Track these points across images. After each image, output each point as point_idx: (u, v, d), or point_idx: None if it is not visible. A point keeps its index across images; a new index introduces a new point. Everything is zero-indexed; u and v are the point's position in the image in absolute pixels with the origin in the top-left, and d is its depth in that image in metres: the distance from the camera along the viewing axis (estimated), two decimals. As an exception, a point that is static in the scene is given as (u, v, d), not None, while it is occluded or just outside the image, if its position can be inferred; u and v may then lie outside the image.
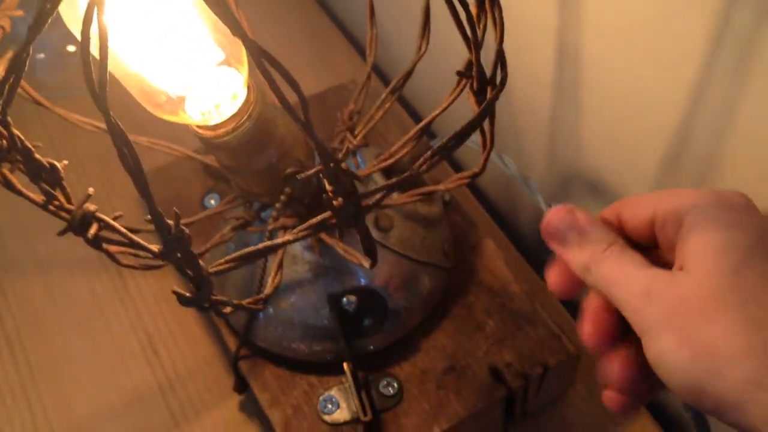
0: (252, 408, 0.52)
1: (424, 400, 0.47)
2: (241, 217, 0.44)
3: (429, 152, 0.31)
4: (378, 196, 0.31)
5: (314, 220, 0.30)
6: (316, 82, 0.65)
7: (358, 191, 0.30)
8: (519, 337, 0.49)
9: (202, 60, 0.36)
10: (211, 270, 0.31)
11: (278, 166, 0.41)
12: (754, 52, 0.36)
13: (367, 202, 0.31)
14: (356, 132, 0.44)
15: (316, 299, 0.46)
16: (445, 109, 0.38)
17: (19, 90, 0.38)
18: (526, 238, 0.64)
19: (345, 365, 0.45)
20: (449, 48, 0.48)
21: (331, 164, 0.29)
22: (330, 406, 0.46)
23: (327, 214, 0.30)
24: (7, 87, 0.29)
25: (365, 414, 0.44)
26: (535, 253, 0.62)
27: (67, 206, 0.32)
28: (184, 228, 0.29)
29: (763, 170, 0.40)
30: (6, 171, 0.34)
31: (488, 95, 0.32)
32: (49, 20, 0.28)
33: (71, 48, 0.68)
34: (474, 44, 0.30)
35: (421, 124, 0.39)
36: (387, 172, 0.47)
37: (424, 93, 0.68)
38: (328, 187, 0.30)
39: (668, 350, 0.29)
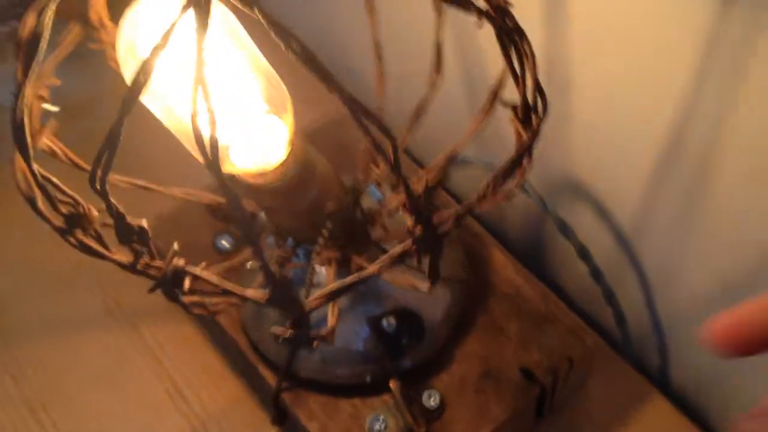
0: (292, 438, 0.53)
1: (466, 407, 0.49)
2: (279, 256, 0.46)
3: (491, 180, 0.34)
4: (451, 222, 0.33)
5: (396, 251, 0.33)
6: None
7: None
8: (541, 336, 0.52)
9: (250, 110, 0.38)
10: (307, 308, 0.33)
11: (318, 203, 0.43)
12: (746, 52, 0.40)
13: (443, 230, 0.33)
14: (378, 163, 0.46)
15: (355, 324, 0.48)
16: (473, 132, 0.41)
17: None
18: (515, 243, 0.67)
19: (391, 384, 0.47)
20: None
21: (414, 197, 0.31)
22: (378, 425, 0.48)
23: (407, 244, 0.33)
24: (103, 160, 0.30)
25: (420, 426, 0.46)
26: (523, 256, 0.65)
27: (156, 263, 0.33)
28: (286, 273, 0.31)
29: (754, 169, 0.44)
30: (81, 236, 0.35)
31: (533, 122, 0.35)
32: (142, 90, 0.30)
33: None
34: (522, 78, 0.33)
35: (452, 147, 0.42)
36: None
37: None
38: (409, 218, 0.32)
39: None
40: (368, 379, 0.49)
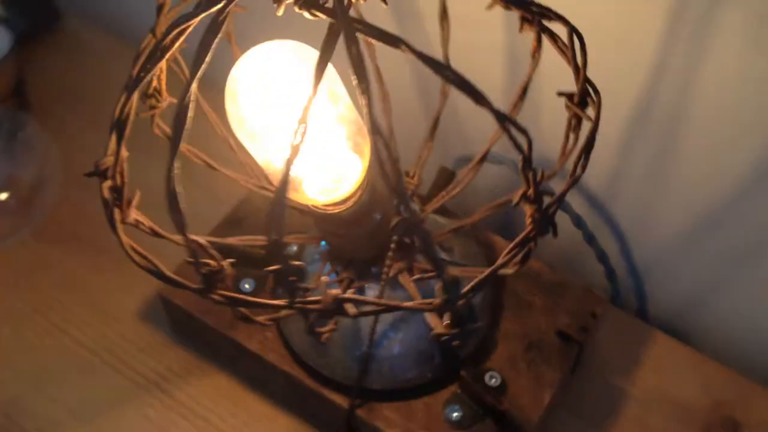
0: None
1: (523, 379, 0.54)
2: (345, 278, 0.48)
3: (577, 159, 0.39)
4: (555, 204, 0.38)
5: (520, 238, 0.37)
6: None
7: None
8: (562, 301, 0.58)
9: (332, 147, 0.41)
10: (460, 302, 0.36)
11: (383, 223, 0.46)
12: (710, 19, 0.47)
13: (552, 211, 0.38)
14: (411, 173, 0.50)
15: (418, 326, 0.51)
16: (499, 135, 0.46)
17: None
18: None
19: (462, 373, 0.51)
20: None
21: (537, 188, 0.36)
22: (455, 414, 0.52)
23: (528, 230, 0.37)
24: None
25: (499, 403, 0.50)
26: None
27: (314, 298, 0.35)
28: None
29: (720, 133, 0.52)
30: (224, 292, 0.36)
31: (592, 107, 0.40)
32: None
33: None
34: (579, 69, 0.38)
35: (484, 150, 0.47)
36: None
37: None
38: (529, 207, 0.36)
39: None
40: (429, 376, 0.53)
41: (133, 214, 0.39)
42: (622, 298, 0.67)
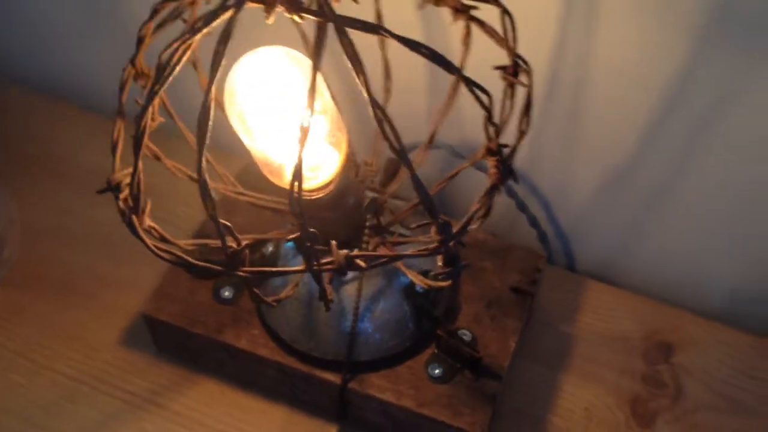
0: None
1: (490, 332, 0.61)
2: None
3: (520, 122, 0.46)
4: (513, 153, 0.45)
5: (487, 187, 0.44)
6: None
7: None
8: (509, 262, 0.65)
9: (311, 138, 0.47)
10: (456, 240, 0.42)
11: (356, 205, 0.52)
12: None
13: (510, 162, 0.45)
14: (369, 162, 0.57)
15: (395, 295, 0.57)
16: (447, 113, 0.54)
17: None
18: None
19: (440, 332, 0.58)
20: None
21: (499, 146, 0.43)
22: (436, 371, 0.58)
23: (494, 179, 0.44)
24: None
25: (477, 353, 0.57)
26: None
27: (330, 259, 0.41)
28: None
29: (620, 95, 0.60)
30: (249, 268, 0.42)
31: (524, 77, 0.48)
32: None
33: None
34: (509, 45, 0.46)
35: (432, 129, 0.54)
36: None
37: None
38: (492, 159, 0.43)
39: None
40: (408, 344, 0.59)
41: (147, 221, 0.44)
42: (553, 257, 0.75)
